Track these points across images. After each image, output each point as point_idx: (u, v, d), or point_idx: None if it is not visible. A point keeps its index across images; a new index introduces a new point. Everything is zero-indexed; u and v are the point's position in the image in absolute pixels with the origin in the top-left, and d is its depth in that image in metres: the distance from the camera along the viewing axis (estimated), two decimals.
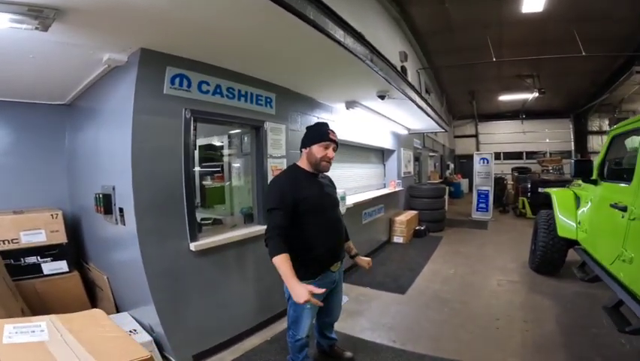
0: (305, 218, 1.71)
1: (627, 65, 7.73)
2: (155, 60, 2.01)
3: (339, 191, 2.30)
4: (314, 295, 1.52)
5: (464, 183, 13.97)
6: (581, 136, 14.03)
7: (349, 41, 2.15)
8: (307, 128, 1.91)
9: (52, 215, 2.64)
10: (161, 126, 2.09)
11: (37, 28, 1.43)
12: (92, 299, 2.83)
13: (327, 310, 1.95)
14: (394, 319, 2.97)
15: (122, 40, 1.84)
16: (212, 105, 2.38)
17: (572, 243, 3.47)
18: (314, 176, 1.85)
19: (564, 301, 3.22)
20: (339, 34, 2.02)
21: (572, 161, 3.24)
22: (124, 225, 2.14)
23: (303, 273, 1.66)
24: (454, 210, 9.43)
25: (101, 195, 2.28)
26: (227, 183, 3.25)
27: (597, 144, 13.17)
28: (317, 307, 1.75)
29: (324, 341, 2.28)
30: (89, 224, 2.88)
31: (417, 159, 8.94)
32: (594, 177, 3.06)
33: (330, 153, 1.81)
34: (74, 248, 2.94)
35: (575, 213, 3.45)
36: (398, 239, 5.90)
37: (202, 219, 2.63)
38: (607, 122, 12.87)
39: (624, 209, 2.19)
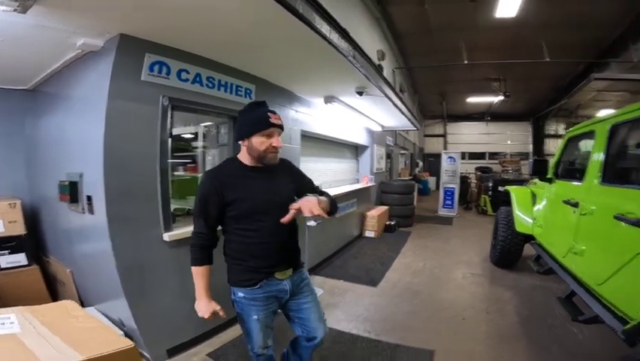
0: (237, 222, 1.45)
1: (587, 71, 8.09)
2: (134, 46, 1.93)
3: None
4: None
5: (432, 180, 14.51)
6: (539, 139, 15.02)
7: (334, 37, 2.17)
8: (239, 113, 1.54)
9: (10, 204, 2.45)
10: (137, 113, 2.01)
11: (15, 10, 1.32)
12: (53, 295, 2.67)
13: (305, 329, 1.65)
14: (368, 310, 3.06)
15: (102, 24, 1.75)
16: (191, 94, 2.32)
17: (529, 238, 3.70)
18: (257, 170, 1.49)
19: (522, 293, 3.47)
20: (325, 29, 2.03)
21: (531, 160, 3.49)
22: (92, 214, 2.04)
23: (241, 280, 1.49)
24: (422, 207, 9.79)
25: (66, 183, 2.14)
26: (201, 174, 3.18)
27: (553, 146, 14.15)
28: (270, 319, 1.57)
29: (294, 357, 1.82)
30: (51, 214, 2.70)
31: (389, 155, 9.15)
32: (549, 175, 3.31)
33: (275, 141, 1.43)
34: (33, 240, 2.76)
35: (531, 209, 3.69)
36: (370, 233, 6.04)
37: (175, 210, 2.56)
38: (563, 126, 13.84)
39: (576, 205, 2.39)
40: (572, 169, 2.93)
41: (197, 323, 2.40)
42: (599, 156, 2.24)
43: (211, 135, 3.21)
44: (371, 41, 5.22)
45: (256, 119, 1.43)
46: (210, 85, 2.45)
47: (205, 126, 3.17)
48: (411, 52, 8.51)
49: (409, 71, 9.84)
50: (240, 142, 1.48)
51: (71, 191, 2.12)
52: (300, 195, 1.47)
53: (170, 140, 2.36)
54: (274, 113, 1.46)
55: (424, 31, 7.35)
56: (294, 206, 1.38)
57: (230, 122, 2.94)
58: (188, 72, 2.25)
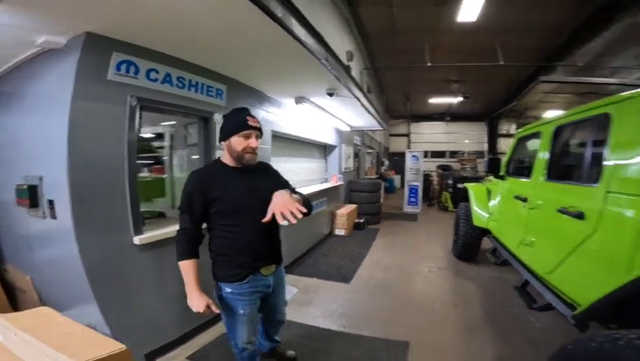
0: (220, 219, 1.55)
1: (536, 75, 8.60)
2: (100, 45, 1.85)
3: None
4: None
5: (397, 178, 15.04)
6: (493, 138, 16.05)
7: (310, 41, 2.22)
8: (224, 117, 1.66)
9: None
10: (103, 113, 1.93)
11: None
12: (12, 303, 2.50)
13: (271, 313, 1.90)
14: (343, 306, 3.14)
15: (67, 23, 1.67)
16: (160, 94, 2.26)
17: (486, 231, 3.94)
18: (239, 171, 1.60)
19: (483, 285, 3.71)
20: (301, 32, 2.08)
21: (486, 159, 3.76)
22: (54, 218, 1.93)
23: (228, 276, 1.57)
24: (388, 204, 10.10)
25: (25, 187, 2.01)
26: (167, 175, 3.09)
27: (505, 145, 15.16)
28: (254, 313, 1.68)
29: (268, 343, 2.16)
30: (7, 220, 2.50)
31: (356, 155, 9.36)
32: (502, 173, 3.56)
33: (252, 142, 1.56)
34: None
35: (487, 205, 3.94)
36: (340, 232, 6.15)
37: (144, 213, 2.48)
38: (514, 126, 14.89)
39: (525, 200, 2.63)
40: (522, 167, 3.17)
41: (175, 326, 2.39)
42: (544, 155, 2.48)
43: (178, 136, 3.14)
44: (341, 42, 5.32)
45: (236, 121, 1.57)
46: (180, 85, 2.40)
47: (171, 126, 3.09)
48: (378, 53, 8.71)
49: (376, 71, 10.06)
50: (222, 143, 1.60)
51: (30, 195, 1.99)
52: None
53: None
54: (253, 117, 1.59)
55: (391, 33, 7.53)
56: (270, 208, 1.46)
57: (200, 122, 2.89)
58: (157, 72, 2.19)
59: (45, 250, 2.17)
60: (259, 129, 1.59)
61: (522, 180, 2.92)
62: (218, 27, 1.88)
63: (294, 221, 1.39)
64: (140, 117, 2.20)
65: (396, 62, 8.78)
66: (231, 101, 3.01)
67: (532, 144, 2.98)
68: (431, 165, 14.34)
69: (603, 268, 1.60)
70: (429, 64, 7.58)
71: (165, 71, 2.25)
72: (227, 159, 1.62)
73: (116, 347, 0.87)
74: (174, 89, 2.35)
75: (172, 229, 2.35)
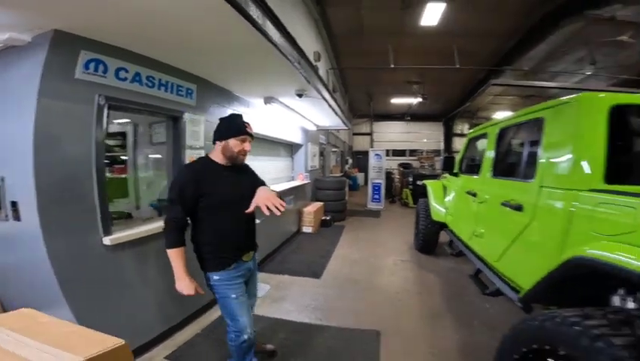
0: (208, 212, 1.70)
1: (487, 78, 9.05)
2: (68, 43, 1.80)
3: None
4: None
5: (360, 176, 15.41)
6: (449, 137, 17.06)
7: (284, 43, 2.29)
8: (221, 120, 1.82)
9: None
10: (71, 112, 1.87)
11: None
12: None
13: (250, 292, 2.00)
14: (316, 301, 3.25)
15: (34, 19, 1.62)
16: (129, 93, 2.22)
17: (443, 225, 4.23)
18: (227, 169, 1.78)
19: (443, 275, 4.00)
20: (275, 35, 2.14)
21: (442, 157, 4.05)
22: (18, 220, 1.85)
23: (216, 264, 1.73)
24: (353, 201, 10.37)
25: None
26: (130, 174, 3.02)
27: (459, 144, 16.18)
28: (245, 296, 1.81)
29: None
30: None
31: (322, 153, 9.52)
32: (456, 170, 3.86)
33: (247, 146, 1.78)
34: None
35: (443, 200, 4.24)
36: (307, 229, 6.26)
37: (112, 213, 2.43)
38: (467, 126, 15.91)
39: (475, 195, 2.91)
40: (472, 165, 3.45)
41: (152, 326, 2.38)
42: (490, 154, 2.78)
43: (142, 134, 3.07)
44: (309, 42, 5.42)
45: (235, 125, 1.76)
46: (150, 84, 2.38)
47: (134, 125, 3.02)
48: (344, 53, 8.90)
49: (341, 71, 10.25)
50: (217, 142, 1.77)
51: None
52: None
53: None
54: (249, 124, 1.80)
55: (358, 34, 7.73)
56: (255, 201, 1.71)
57: (169, 121, 2.87)
58: (127, 71, 2.16)
59: (7, 254, 2.06)
60: (252, 135, 1.81)
61: (473, 177, 3.19)
62: (192, 28, 1.90)
63: (277, 213, 1.62)
64: (108, 116, 2.16)
65: (362, 62, 9.00)
66: (201, 100, 3.01)
67: (481, 144, 3.25)
68: (393, 164, 14.93)
69: (539, 254, 1.83)
70: (392, 65, 7.86)
71: (135, 70, 2.22)
72: (218, 157, 1.78)
73: (114, 341, 0.90)
74: (144, 88, 2.33)
75: (143, 229, 2.35)
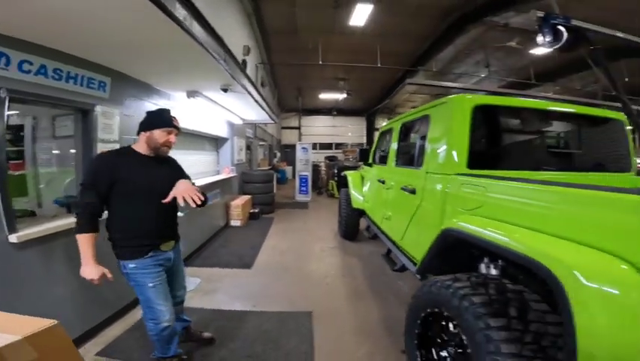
0: (123, 199, 1.70)
1: (404, 77, 9.85)
2: None
3: None
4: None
5: (289, 170, 15.65)
6: (370, 131, 18.33)
7: (211, 42, 2.33)
8: (148, 112, 1.86)
9: None
10: None
11: None
12: None
13: (171, 289, 2.00)
14: (249, 289, 3.36)
15: None
16: (34, 86, 2.07)
17: (362, 212, 4.55)
18: (149, 159, 1.81)
19: (364, 258, 4.38)
20: (202, 35, 2.17)
21: (358, 149, 4.43)
22: None
23: (131, 252, 1.72)
24: (281, 194, 10.58)
25: None
26: (29, 170, 2.76)
27: None
28: (164, 284, 1.82)
29: (179, 323, 2.21)
30: None
31: (249, 147, 9.47)
32: (370, 161, 4.27)
33: (172, 138, 1.83)
34: None
35: (361, 189, 4.63)
36: (235, 222, 6.25)
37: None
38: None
39: (384, 182, 3.32)
40: (383, 156, 3.85)
41: (76, 323, 2.29)
42: (394, 146, 3.22)
43: (43, 128, 2.82)
44: (240, 36, 5.36)
45: (162, 118, 1.82)
46: (57, 77, 2.22)
47: (33, 117, 2.76)
48: (275, 48, 8.92)
49: (271, 66, 10.26)
50: (142, 133, 1.80)
51: None
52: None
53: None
54: (176, 118, 1.86)
55: (291, 31, 7.84)
56: (173, 192, 1.73)
57: (78, 114, 2.70)
58: (31, 63, 2.01)
59: None
60: (179, 128, 1.87)
61: (383, 166, 3.62)
62: (110, 25, 1.86)
63: (193, 205, 1.70)
64: (9, 109, 1.99)
65: (292, 58, 9.12)
66: (116, 93, 2.88)
67: (389, 137, 3.63)
68: (320, 157, 15.50)
69: (427, 229, 2.13)
70: (320, 62, 8.19)
71: (40, 63, 2.07)
72: (141, 148, 1.81)
73: (48, 322, 0.96)
74: (50, 80, 2.17)
75: (52, 225, 2.21)
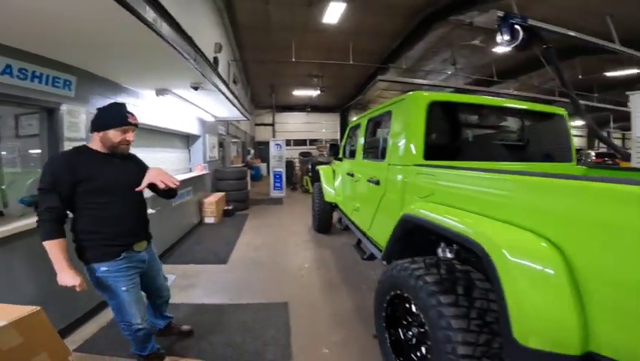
0: (90, 198, 1.60)
1: (375, 74, 10.07)
2: None
3: None
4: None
5: (263, 166, 15.53)
6: (344, 127, 18.54)
7: (181, 42, 2.37)
8: (99, 110, 1.71)
9: None
10: None
11: None
12: None
13: (156, 290, 2.04)
14: (225, 284, 3.40)
15: None
16: None
17: (334, 206, 4.61)
18: (110, 156, 1.69)
19: (337, 250, 4.48)
20: (171, 35, 2.22)
21: (328, 145, 4.54)
22: None
23: (102, 254, 1.62)
24: (256, 191, 10.56)
25: None
26: None
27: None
28: (137, 288, 1.77)
29: (162, 321, 2.26)
30: None
31: (221, 144, 9.40)
32: (340, 156, 4.40)
33: (129, 136, 1.70)
34: None
35: (333, 183, 4.73)
36: (209, 220, 6.22)
37: None
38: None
39: (352, 175, 3.48)
40: (352, 150, 3.96)
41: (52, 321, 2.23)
42: (362, 141, 3.37)
43: (5, 127, 2.76)
44: (211, 33, 5.32)
45: (115, 116, 1.67)
46: (22, 76, 2.22)
47: None
48: (248, 45, 8.87)
49: (244, 63, 10.17)
50: (95, 133, 1.67)
51: None
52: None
53: None
54: (132, 114, 1.72)
55: (264, 28, 7.82)
56: (146, 179, 1.70)
57: (43, 113, 2.68)
58: None
59: None
60: (137, 125, 1.75)
61: (351, 160, 3.77)
62: (77, 26, 1.89)
63: (173, 186, 1.71)
64: None
65: (265, 55, 9.10)
66: (82, 91, 2.87)
67: (357, 132, 3.75)
68: (294, 153, 15.56)
69: (390, 217, 2.22)
70: (294, 59, 8.23)
71: (5, 63, 2.07)
72: (97, 146, 1.69)
73: (30, 308, 1.03)
74: (14, 80, 2.17)
75: (20, 224, 2.18)
